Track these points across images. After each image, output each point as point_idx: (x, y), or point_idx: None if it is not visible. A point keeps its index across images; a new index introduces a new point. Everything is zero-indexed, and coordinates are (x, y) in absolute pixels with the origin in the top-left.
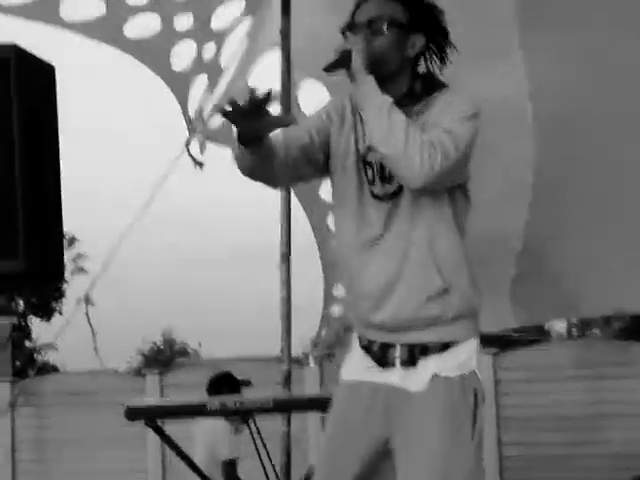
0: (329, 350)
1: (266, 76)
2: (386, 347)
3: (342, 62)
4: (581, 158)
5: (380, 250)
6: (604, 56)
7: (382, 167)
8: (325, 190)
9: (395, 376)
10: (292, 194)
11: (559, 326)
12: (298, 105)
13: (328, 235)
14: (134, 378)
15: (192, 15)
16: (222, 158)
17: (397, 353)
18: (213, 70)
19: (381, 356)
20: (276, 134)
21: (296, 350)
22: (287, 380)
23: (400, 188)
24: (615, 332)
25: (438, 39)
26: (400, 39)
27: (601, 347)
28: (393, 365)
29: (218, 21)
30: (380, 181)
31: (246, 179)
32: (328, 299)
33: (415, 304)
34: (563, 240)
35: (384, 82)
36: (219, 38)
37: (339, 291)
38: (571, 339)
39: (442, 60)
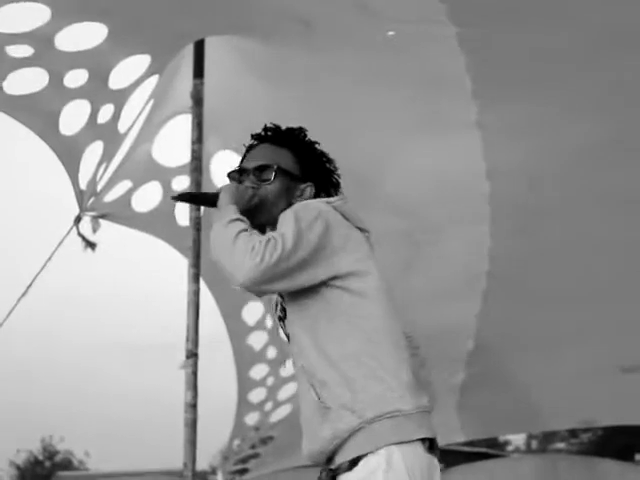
0: (242, 465)
1: (174, 145)
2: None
3: (204, 200)
4: (543, 243)
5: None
6: (559, 133)
7: None
8: None
9: None
10: (201, 282)
11: (516, 438)
12: (211, 179)
13: (243, 329)
14: None
15: (86, 71)
16: (118, 238)
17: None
18: (110, 136)
19: None
20: None
21: (202, 464)
22: None
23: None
24: (583, 446)
25: (329, 189)
26: (288, 188)
27: (565, 464)
28: None
29: (117, 79)
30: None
31: (147, 262)
32: (242, 404)
33: (313, 430)
34: (523, 339)
35: (266, 225)
36: (118, 99)
37: (255, 396)
38: (530, 453)
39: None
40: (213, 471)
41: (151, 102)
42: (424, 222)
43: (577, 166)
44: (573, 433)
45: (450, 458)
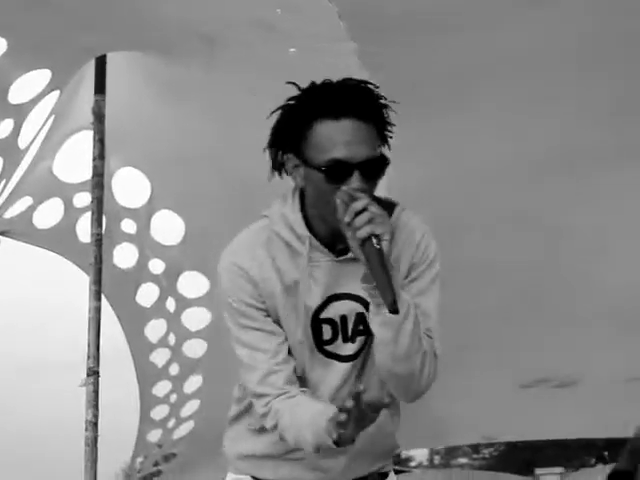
0: None
1: (75, 162)
2: None
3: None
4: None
5: None
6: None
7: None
8: (142, 295)
9: None
10: (103, 299)
11: (419, 453)
12: (113, 196)
13: (146, 346)
14: None
15: None
16: (17, 254)
17: None
18: (10, 152)
19: None
20: None
21: None
22: None
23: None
24: (485, 461)
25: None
26: None
27: (468, 479)
28: None
29: (17, 94)
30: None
31: (49, 278)
32: (145, 422)
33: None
34: None
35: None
36: (18, 114)
37: (157, 413)
38: (433, 468)
39: None
40: None
41: (52, 118)
42: None
43: (485, 185)
44: (475, 449)
45: None
